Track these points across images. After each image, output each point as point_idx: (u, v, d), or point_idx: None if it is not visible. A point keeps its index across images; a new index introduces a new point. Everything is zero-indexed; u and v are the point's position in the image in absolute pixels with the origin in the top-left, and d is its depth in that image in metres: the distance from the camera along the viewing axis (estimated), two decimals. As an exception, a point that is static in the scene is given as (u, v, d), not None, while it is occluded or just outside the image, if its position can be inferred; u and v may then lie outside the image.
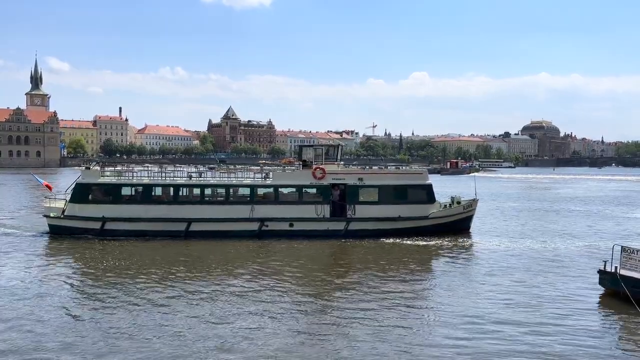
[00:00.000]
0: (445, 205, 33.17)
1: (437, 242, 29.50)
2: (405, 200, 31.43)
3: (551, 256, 26.40)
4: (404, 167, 39.63)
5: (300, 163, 33.42)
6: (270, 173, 32.26)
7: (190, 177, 31.85)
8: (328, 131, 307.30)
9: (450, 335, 14.77)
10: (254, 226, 29.91)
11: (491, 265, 24.06)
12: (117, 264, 23.39)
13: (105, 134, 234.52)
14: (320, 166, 31.40)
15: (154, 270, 22.08)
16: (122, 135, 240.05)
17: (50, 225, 30.47)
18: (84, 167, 32.52)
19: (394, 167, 38.98)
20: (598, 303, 18.46)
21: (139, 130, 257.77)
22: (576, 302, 18.30)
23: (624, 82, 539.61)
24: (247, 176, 32.68)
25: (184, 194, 30.87)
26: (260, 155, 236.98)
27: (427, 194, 32.08)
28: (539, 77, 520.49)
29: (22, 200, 54.56)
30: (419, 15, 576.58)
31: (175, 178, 31.98)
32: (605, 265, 19.04)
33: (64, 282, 20.17)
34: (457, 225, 32.69)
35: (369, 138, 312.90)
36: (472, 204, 33.85)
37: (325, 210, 30.62)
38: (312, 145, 34.83)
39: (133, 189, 30.66)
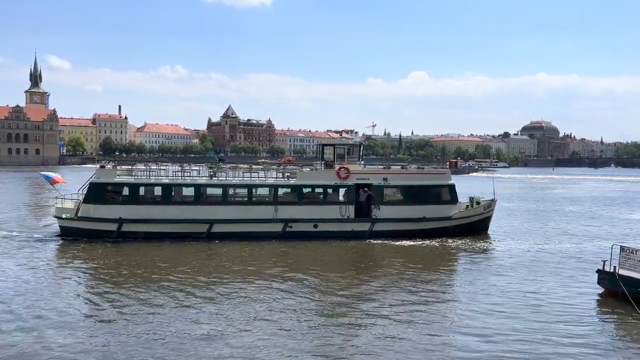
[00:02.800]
0: (467, 206, 32.84)
1: (460, 243, 29.17)
2: (429, 201, 30.97)
3: (551, 256, 26.45)
4: (427, 167, 38.49)
5: (322, 163, 32.23)
6: (294, 173, 31.35)
7: (212, 176, 30.65)
8: (327, 130, 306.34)
9: (454, 337, 14.86)
10: (278, 227, 29.15)
11: (498, 266, 24.14)
12: (135, 267, 22.38)
13: (105, 132, 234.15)
14: (345, 166, 30.68)
15: (174, 274, 21.13)
16: (121, 133, 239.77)
17: (61, 227, 28.95)
18: (98, 166, 30.83)
19: (415, 167, 38.15)
20: (597, 303, 18.49)
21: (139, 128, 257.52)
22: (575, 301, 18.33)
23: (623, 82, 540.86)
24: (269, 176, 31.54)
25: (206, 194, 29.69)
26: (260, 154, 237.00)
27: (450, 194, 31.64)
28: (538, 77, 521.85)
29: (26, 200, 53.61)
30: (418, 15, 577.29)
31: (196, 178, 30.61)
32: (604, 265, 19.08)
33: (79, 287, 19.35)
34: (477, 225, 32.50)
35: (368, 137, 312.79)
36: (491, 204, 33.67)
37: (350, 211, 29.93)
38: (334, 145, 33.74)
39: (152, 188, 29.36)
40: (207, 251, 26.11)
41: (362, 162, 33.56)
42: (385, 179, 30.77)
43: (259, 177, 31.17)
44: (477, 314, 16.65)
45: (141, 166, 32.16)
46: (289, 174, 31.60)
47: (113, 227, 28.12)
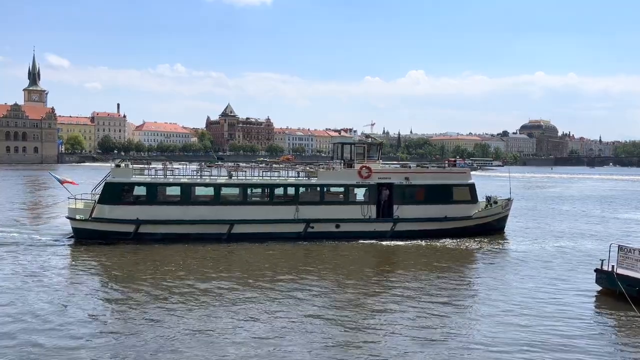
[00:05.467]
0: (486, 205, 32.56)
1: (478, 243, 29.02)
2: (450, 200, 30.71)
3: (549, 255, 26.50)
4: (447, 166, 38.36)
5: (341, 162, 31.65)
6: (314, 172, 30.72)
7: (231, 176, 29.74)
8: (326, 129, 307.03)
9: (452, 337, 14.88)
10: (300, 228, 28.57)
11: (509, 266, 24.17)
12: (153, 270, 21.61)
13: (103, 131, 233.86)
14: (367, 165, 30.25)
15: (194, 277, 20.53)
16: (120, 131, 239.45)
17: (75, 229, 27.69)
18: (113, 165, 29.38)
19: (434, 167, 37.37)
20: (595, 302, 18.52)
21: (137, 127, 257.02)
22: (573, 300, 18.37)
23: (620, 82, 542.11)
24: (289, 175, 31.00)
25: (226, 194, 28.83)
26: (259, 152, 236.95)
27: (470, 194, 31.45)
28: (535, 77, 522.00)
29: (31, 200, 52.81)
30: (416, 15, 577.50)
31: (215, 177, 29.67)
32: (602, 264, 19.14)
33: (96, 291, 18.69)
34: (495, 225, 32.43)
35: (367, 136, 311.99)
36: (508, 203, 33.58)
37: (372, 210, 29.51)
38: (353, 143, 32.81)
39: (171, 188, 28.36)
40: (227, 253, 25.58)
41: (381, 161, 33.00)
42: (406, 179, 30.33)
43: (279, 177, 30.60)
44: (481, 316, 16.68)
45: (158, 165, 30.99)
46: (309, 173, 31.02)
47: (130, 228, 27.19)
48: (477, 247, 28.37)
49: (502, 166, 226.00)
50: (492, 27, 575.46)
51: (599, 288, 19.30)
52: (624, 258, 18.60)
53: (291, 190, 29.23)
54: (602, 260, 19.19)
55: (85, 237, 27.16)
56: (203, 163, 32.73)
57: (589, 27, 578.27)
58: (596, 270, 19.43)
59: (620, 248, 18.95)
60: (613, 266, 18.60)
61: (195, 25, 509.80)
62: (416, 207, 30.09)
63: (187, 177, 29.26)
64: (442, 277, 21.51)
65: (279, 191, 29.32)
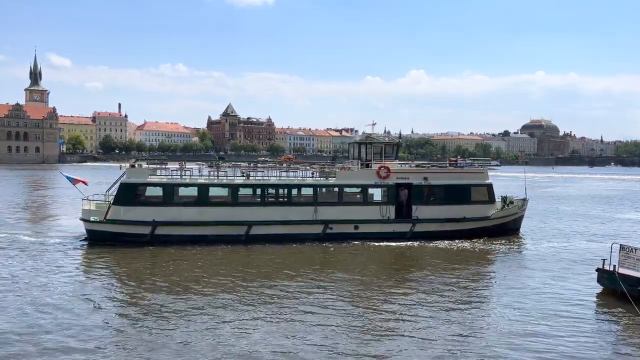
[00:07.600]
0: (503, 206, 32.40)
1: (495, 244, 28.90)
2: (469, 201, 30.43)
3: (550, 254, 26.52)
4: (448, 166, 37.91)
5: (358, 162, 31.27)
6: (333, 172, 30.38)
7: (248, 176, 29.36)
8: (327, 129, 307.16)
9: (453, 335, 14.89)
10: (318, 229, 28.26)
11: (524, 267, 24.11)
12: (169, 273, 21.35)
13: (105, 130, 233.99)
14: (385, 165, 29.90)
15: (210, 280, 20.23)
16: (121, 131, 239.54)
17: (89, 231, 27.15)
18: (128, 165, 28.57)
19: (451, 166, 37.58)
20: (596, 301, 18.54)
21: (138, 126, 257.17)
22: (574, 300, 18.39)
23: (620, 82, 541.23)
24: (307, 175, 30.71)
25: (244, 195, 28.54)
26: (260, 152, 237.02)
27: (488, 194, 31.22)
28: (536, 76, 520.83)
29: (38, 201, 52.64)
30: (416, 14, 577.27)
31: (232, 178, 29.04)
32: (603, 264, 19.15)
33: (110, 295, 18.44)
34: (511, 225, 32.31)
35: (369, 136, 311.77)
36: (524, 203, 33.47)
37: (390, 211, 29.20)
38: (370, 143, 31.96)
39: (188, 189, 27.90)
40: (245, 254, 25.38)
41: (397, 161, 32.58)
42: (425, 179, 29.95)
43: (297, 177, 30.32)
44: (487, 316, 16.80)
45: (174, 165, 30.29)
46: (327, 173, 30.63)
47: (146, 230, 26.66)
48: (493, 248, 28.26)
49: (500, 166, 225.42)
50: (492, 27, 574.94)
51: (600, 287, 19.31)
52: (625, 258, 18.59)
53: (309, 191, 28.92)
54: (604, 260, 19.19)
55: (99, 239, 26.59)
56: (219, 162, 32.42)
57: (589, 27, 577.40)
58: (598, 270, 19.43)
59: (621, 248, 18.94)
60: (615, 266, 18.61)
61: (196, 25, 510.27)
62: (435, 208, 29.80)
63: (203, 177, 28.80)
64: (457, 280, 21.29)
65: (297, 192, 29.07)
